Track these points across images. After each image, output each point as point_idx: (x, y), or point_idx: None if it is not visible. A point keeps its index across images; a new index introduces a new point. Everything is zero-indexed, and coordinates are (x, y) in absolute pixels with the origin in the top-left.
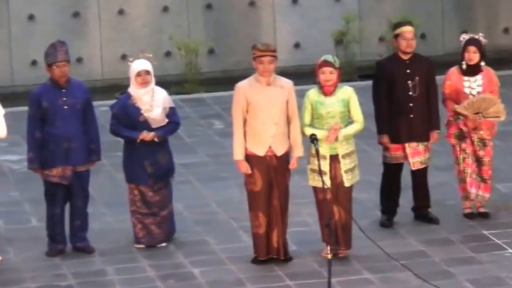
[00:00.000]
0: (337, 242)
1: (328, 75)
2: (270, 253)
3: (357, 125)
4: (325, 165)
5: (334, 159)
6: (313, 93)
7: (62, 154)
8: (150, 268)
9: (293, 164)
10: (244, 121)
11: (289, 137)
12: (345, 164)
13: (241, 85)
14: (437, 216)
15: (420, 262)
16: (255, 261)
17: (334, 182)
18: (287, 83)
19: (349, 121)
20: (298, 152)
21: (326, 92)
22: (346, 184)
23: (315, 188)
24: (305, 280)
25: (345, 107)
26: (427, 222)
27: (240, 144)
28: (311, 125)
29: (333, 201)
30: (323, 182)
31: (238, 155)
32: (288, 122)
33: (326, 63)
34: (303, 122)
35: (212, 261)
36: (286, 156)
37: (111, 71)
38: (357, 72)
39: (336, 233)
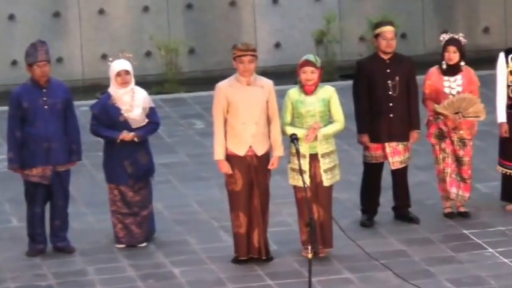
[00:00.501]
0: (316, 241)
1: (309, 74)
2: (251, 253)
3: (337, 125)
4: (305, 164)
5: (313, 158)
6: (293, 92)
7: (42, 154)
8: (131, 268)
9: (273, 164)
10: (225, 121)
11: (269, 136)
12: (324, 163)
13: (222, 85)
14: (418, 215)
15: (400, 261)
16: (236, 260)
17: (314, 181)
18: (267, 82)
19: (329, 121)
20: (278, 151)
21: (307, 91)
22: (325, 184)
23: (295, 187)
24: (285, 280)
25: (325, 106)
26: (407, 222)
27: (220, 144)
28: (291, 124)
29: (312, 200)
30: (303, 181)
31: (219, 155)
32: (268, 121)
33: (308, 62)
34: (283, 121)
35: (192, 261)
36: (267, 156)
37: (91, 71)
38: (337, 72)
39: (315, 232)
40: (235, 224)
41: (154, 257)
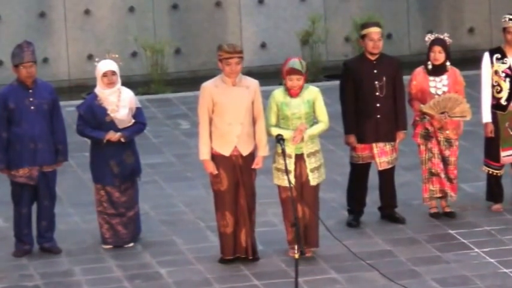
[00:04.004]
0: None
1: (295, 82)
2: (238, 252)
3: (322, 125)
4: (290, 164)
5: (299, 158)
6: (278, 94)
7: (28, 154)
8: (117, 268)
9: (257, 164)
10: (210, 121)
11: (254, 136)
12: (310, 163)
13: (207, 85)
14: (404, 215)
15: (387, 261)
16: (223, 260)
17: (299, 181)
18: (253, 82)
19: (314, 121)
20: (262, 151)
21: (292, 94)
22: (312, 183)
23: (279, 187)
24: (272, 280)
25: (310, 107)
26: (393, 222)
27: (206, 144)
28: (277, 125)
29: (298, 200)
30: (289, 181)
31: (205, 154)
32: (253, 121)
33: (294, 70)
34: (268, 122)
35: (179, 261)
36: (252, 156)
37: (77, 71)
38: (322, 73)
39: (300, 233)
40: (221, 224)
41: (141, 257)
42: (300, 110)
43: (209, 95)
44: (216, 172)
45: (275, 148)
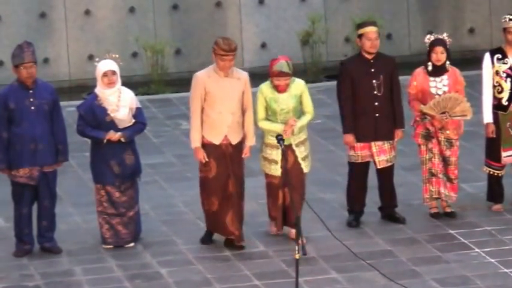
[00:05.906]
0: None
1: (282, 81)
2: (223, 233)
3: (308, 116)
4: (277, 155)
5: (286, 148)
6: (266, 89)
7: (29, 154)
8: (118, 268)
9: (246, 153)
10: (202, 110)
11: (243, 126)
12: (300, 152)
13: (200, 75)
14: (404, 215)
15: (387, 261)
16: (207, 233)
17: (285, 168)
18: (243, 74)
19: (300, 112)
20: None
21: (280, 90)
22: (305, 170)
23: (265, 173)
24: (272, 280)
25: (297, 102)
26: (393, 222)
27: (197, 132)
28: (266, 119)
29: (281, 186)
30: (285, 176)
31: (196, 142)
32: (242, 112)
33: (282, 73)
34: (258, 116)
35: (179, 261)
36: (241, 145)
37: (78, 72)
38: (323, 73)
39: (284, 212)
40: (206, 203)
41: (141, 257)
42: (288, 105)
43: (202, 84)
44: (205, 160)
45: (262, 138)
